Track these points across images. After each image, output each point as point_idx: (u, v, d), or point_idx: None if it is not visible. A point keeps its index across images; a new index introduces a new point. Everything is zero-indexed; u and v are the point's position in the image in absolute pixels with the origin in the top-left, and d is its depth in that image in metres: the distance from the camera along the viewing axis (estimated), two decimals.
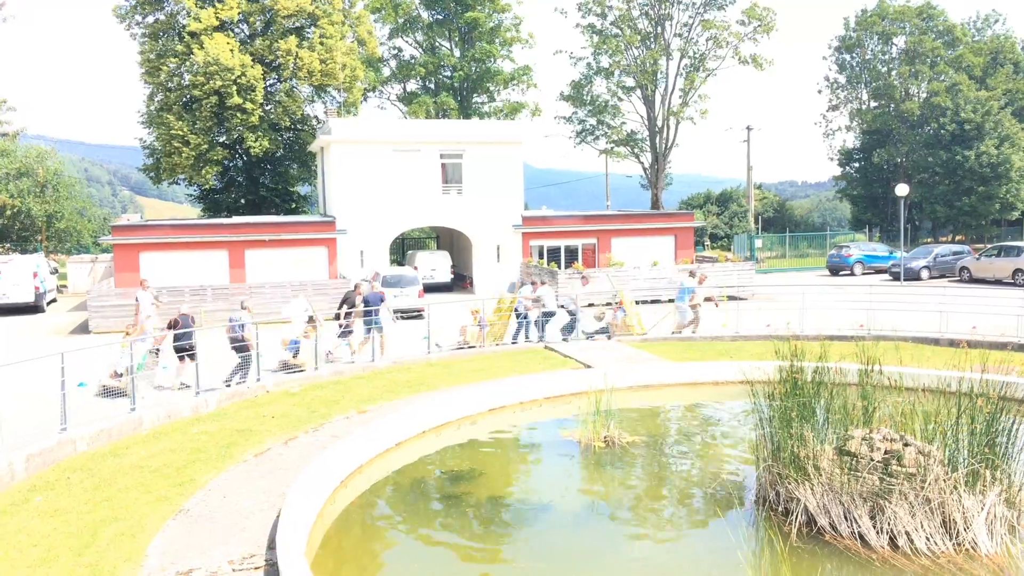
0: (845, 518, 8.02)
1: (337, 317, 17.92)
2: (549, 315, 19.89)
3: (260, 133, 39.24)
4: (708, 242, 55.75)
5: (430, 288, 31.16)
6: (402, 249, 43.24)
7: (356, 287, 18.61)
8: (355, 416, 12.53)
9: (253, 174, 43.29)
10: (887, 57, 61.15)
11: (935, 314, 19.00)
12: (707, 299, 21.22)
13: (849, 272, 38.78)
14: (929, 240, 58.21)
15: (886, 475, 8.09)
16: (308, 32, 41.51)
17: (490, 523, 9.10)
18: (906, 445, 8.38)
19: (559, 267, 32.03)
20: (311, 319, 16.95)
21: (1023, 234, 54.90)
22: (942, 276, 35.27)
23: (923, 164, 55.34)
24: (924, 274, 35.16)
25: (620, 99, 51.97)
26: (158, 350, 14.91)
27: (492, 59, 49.53)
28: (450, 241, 39.35)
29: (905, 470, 8.01)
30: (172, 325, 14.92)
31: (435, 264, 33.60)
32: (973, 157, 51.45)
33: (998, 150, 51.45)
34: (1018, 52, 62.08)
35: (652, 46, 50.39)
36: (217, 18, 37.79)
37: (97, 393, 13.80)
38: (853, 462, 8.29)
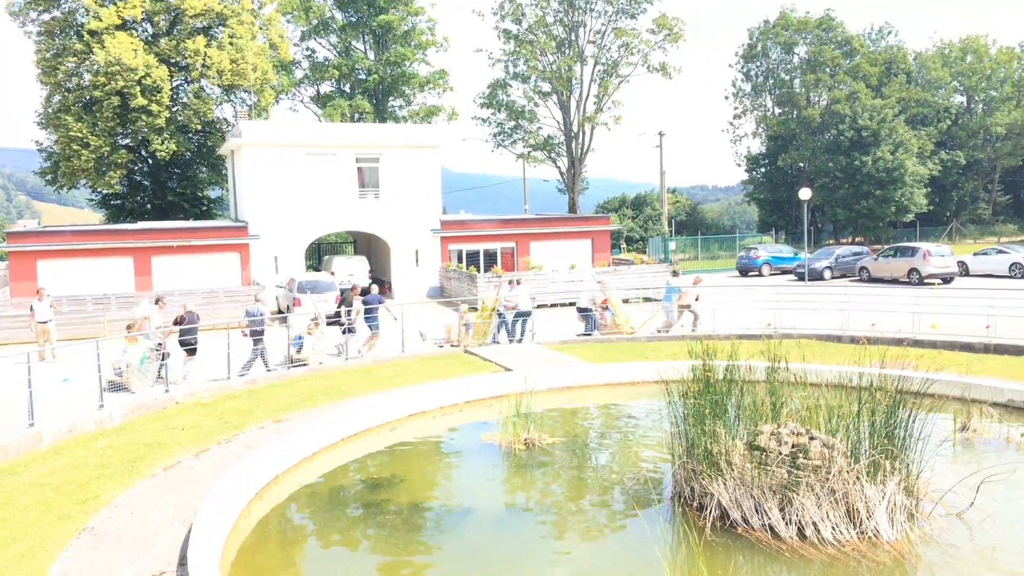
0: (756, 511, 8.29)
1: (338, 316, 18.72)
2: (524, 315, 20.04)
3: (167, 136, 37.89)
4: (624, 245, 56.82)
5: None
6: (318, 254, 42.49)
7: (354, 288, 19.92)
8: (270, 426, 12.22)
9: (160, 178, 41.75)
10: (790, 66, 63.73)
11: (837, 312, 19.88)
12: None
13: (757, 273, 40.18)
14: (831, 242, 60.91)
15: (794, 468, 8.39)
16: (217, 32, 40.36)
17: (412, 529, 9.02)
18: (812, 439, 8.71)
19: (478, 271, 32.06)
20: (315, 318, 18.11)
21: (917, 235, 58.07)
22: (843, 276, 36.93)
23: (824, 169, 57.84)
24: (827, 274, 36.73)
25: (536, 104, 52.48)
26: (159, 346, 15.39)
27: (407, 62, 49.24)
28: (368, 246, 38.90)
29: (811, 463, 8.34)
30: (178, 321, 16.10)
31: (352, 269, 33.10)
32: (870, 162, 54.09)
33: (893, 156, 54.25)
34: (910, 63, 65.66)
35: (567, 52, 51.06)
36: (119, 16, 36.32)
37: (105, 388, 13.68)
38: (763, 456, 8.58)
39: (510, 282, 21.28)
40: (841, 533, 7.92)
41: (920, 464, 8.69)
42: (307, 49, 51.32)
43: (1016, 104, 63.32)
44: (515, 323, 20.12)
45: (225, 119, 42.81)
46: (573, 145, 52.89)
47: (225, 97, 42.57)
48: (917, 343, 17.32)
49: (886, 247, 40.84)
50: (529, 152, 53.90)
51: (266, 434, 11.73)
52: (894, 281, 33.23)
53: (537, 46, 49.91)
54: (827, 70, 60.30)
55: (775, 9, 64.15)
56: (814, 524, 7.99)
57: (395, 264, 33.67)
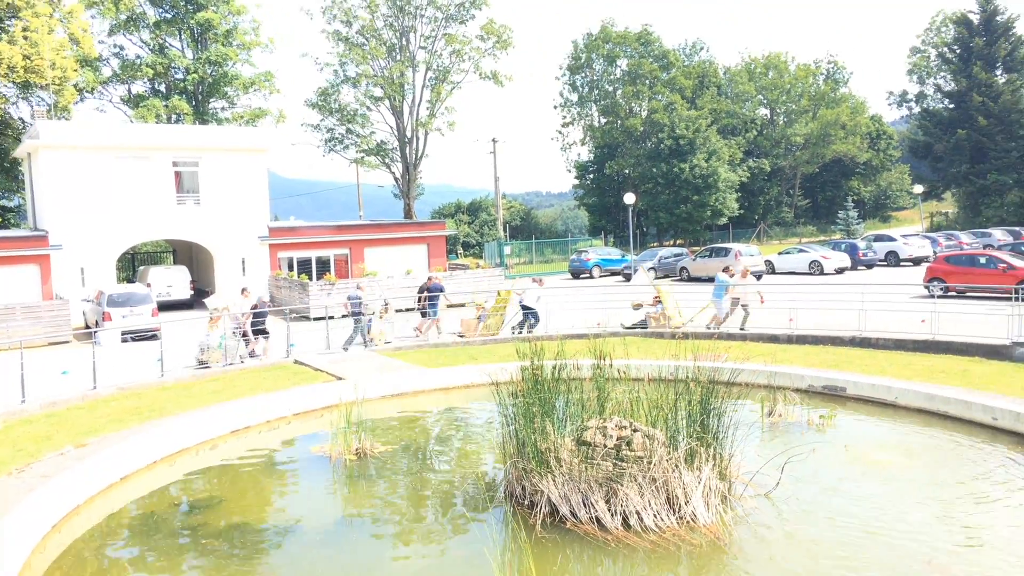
0: (584, 504, 8.46)
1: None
2: (530, 311, 20.58)
3: None
4: (461, 250, 57.19)
5: (167, 306, 28.84)
6: (133, 265, 39.57)
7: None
8: (71, 451, 11.11)
9: None
10: (613, 77, 66.72)
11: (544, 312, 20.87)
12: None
13: (588, 275, 41.65)
14: (655, 244, 64.33)
15: (618, 460, 8.66)
16: (8, 24, 36.61)
17: (236, 551, 8.47)
18: (635, 431, 9.03)
19: (311, 279, 31.05)
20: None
21: (730, 237, 62.51)
22: (666, 276, 39.00)
23: (647, 175, 61.03)
24: (652, 275, 38.60)
25: (369, 109, 51.72)
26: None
27: (230, 62, 46.93)
28: (189, 255, 36.67)
29: (634, 454, 8.64)
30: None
31: (172, 280, 31.10)
32: (688, 169, 57.65)
33: (707, 163, 58.13)
34: (720, 76, 70.69)
35: (398, 57, 50.69)
36: None
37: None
38: (590, 451, 8.79)
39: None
40: (662, 520, 8.24)
41: (732, 449, 9.22)
42: (116, 46, 47.69)
43: (812, 116, 69.75)
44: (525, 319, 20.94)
45: (22, 119, 38.96)
46: (407, 150, 52.57)
47: (20, 96, 38.71)
48: (729, 336, 18.53)
49: (703, 248, 43.57)
50: (362, 157, 53.03)
51: (66, 461, 10.65)
52: (711, 280, 35.40)
53: (368, 50, 49.19)
54: (647, 82, 63.69)
55: (597, 22, 66.86)
56: (637, 513, 8.25)
57: (219, 274, 31.92)
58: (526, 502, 8.88)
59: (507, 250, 50.25)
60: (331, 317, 24.08)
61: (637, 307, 21.08)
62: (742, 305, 19.65)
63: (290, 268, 33.40)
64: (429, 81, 51.73)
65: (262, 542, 8.76)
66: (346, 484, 10.54)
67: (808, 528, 8.33)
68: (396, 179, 54.35)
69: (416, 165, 52.88)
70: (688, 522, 8.26)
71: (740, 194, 63.31)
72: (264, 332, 19.21)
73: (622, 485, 8.42)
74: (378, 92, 51.24)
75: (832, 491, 9.30)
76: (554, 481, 8.66)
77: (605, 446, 8.83)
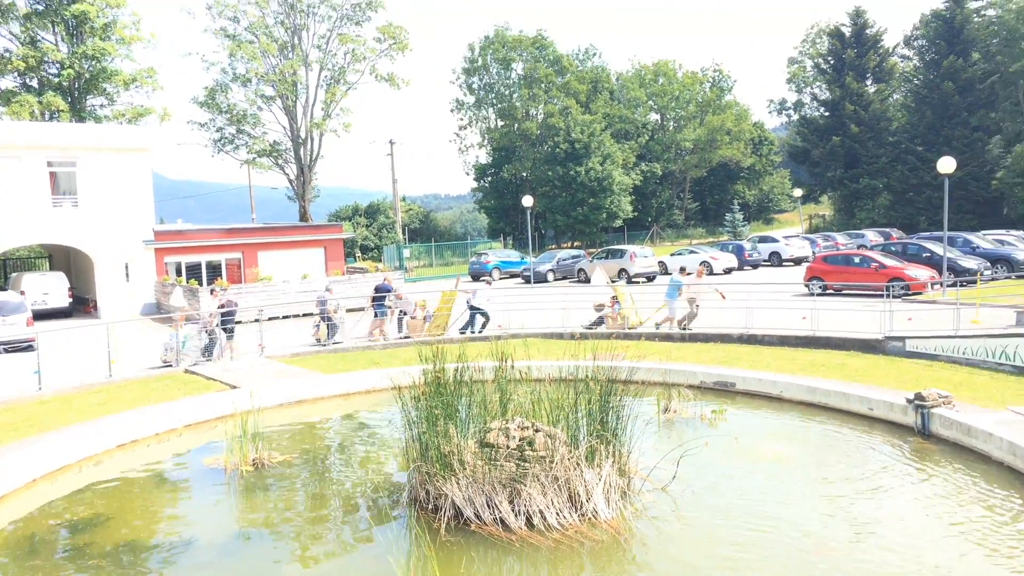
0: (488, 506, 8.51)
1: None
2: (478, 310, 20.64)
3: None
4: (359, 253, 56.37)
5: (43, 315, 27.17)
6: (4, 272, 37.05)
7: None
8: None
9: None
10: (509, 81, 67.29)
11: (559, 311, 21.23)
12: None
13: (489, 277, 41.79)
14: (553, 246, 65.23)
15: (521, 461, 8.76)
16: None
17: (126, 572, 8.07)
18: (537, 431, 9.16)
19: (200, 284, 29.88)
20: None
21: (625, 239, 64.10)
22: (565, 278, 39.69)
23: (544, 178, 61.86)
24: (550, 276, 39.25)
25: (260, 108, 50.23)
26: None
27: (108, 57, 44.58)
28: (67, 261, 34.63)
29: (536, 454, 8.76)
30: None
31: (48, 287, 29.31)
32: (583, 172, 58.79)
33: (602, 166, 59.45)
34: (613, 82, 72.46)
35: (290, 56, 49.47)
36: None
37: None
38: (493, 452, 8.86)
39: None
40: (565, 518, 8.39)
41: (630, 445, 9.49)
42: None
43: (700, 122, 72.44)
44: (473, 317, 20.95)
45: None
46: (302, 152, 51.37)
47: None
48: (627, 336, 19.03)
49: (599, 250, 44.54)
50: (254, 158, 51.45)
51: None
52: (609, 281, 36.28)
53: (258, 47, 47.77)
54: (542, 86, 64.55)
55: (492, 26, 67.38)
56: (541, 512, 8.38)
57: (100, 280, 30.30)
58: (430, 506, 8.86)
59: (406, 253, 49.86)
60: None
61: (599, 307, 21.23)
62: (695, 304, 19.90)
63: (178, 273, 32.05)
64: (324, 81, 50.74)
65: (152, 561, 8.39)
66: (242, 496, 10.22)
67: (703, 519, 8.66)
68: (290, 181, 52.99)
69: (311, 167, 51.73)
70: (590, 519, 8.44)
71: (634, 197, 65.05)
72: (230, 332, 19.19)
73: (525, 485, 8.53)
74: (269, 91, 49.84)
75: (725, 483, 9.71)
76: (458, 484, 8.68)
77: (508, 447, 8.92)
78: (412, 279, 43.58)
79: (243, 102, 50.07)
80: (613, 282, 28.10)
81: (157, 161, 54.23)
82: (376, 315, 21.11)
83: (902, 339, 15.62)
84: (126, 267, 30.72)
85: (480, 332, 20.55)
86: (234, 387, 15.05)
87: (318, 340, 20.63)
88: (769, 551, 7.79)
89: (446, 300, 21.80)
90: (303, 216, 52.30)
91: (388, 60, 51.17)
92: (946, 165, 22.82)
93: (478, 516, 8.48)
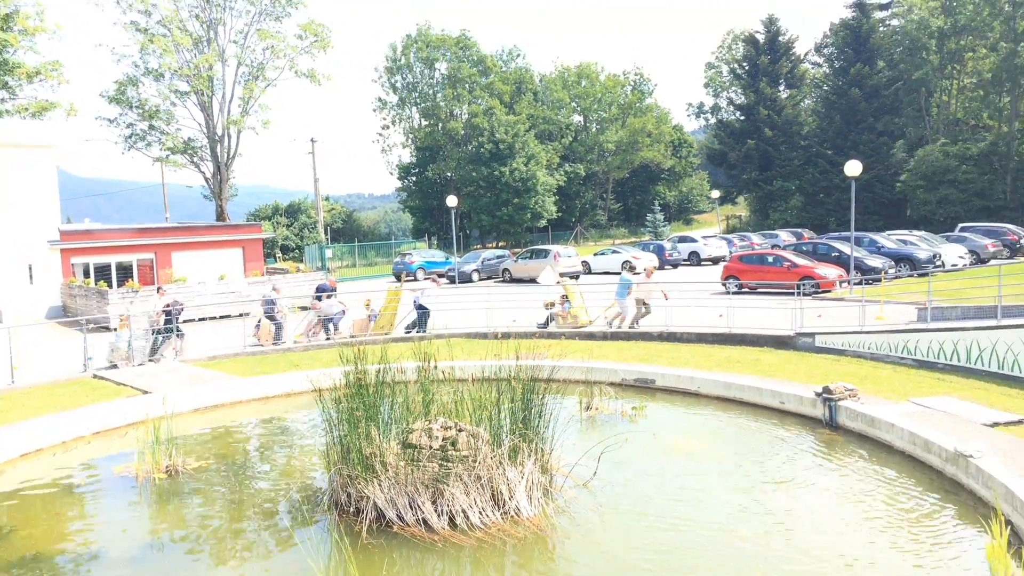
0: (410, 507, 8.47)
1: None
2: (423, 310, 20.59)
3: None
4: (279, 254, 55.19)
5: None
6: None
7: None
8: None
9: None
10: (432, 80, 66.99)
11: (483, 311, 21.27)
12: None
13: (413, 278, 41.53)
14: (479, 246, 65.28)
15: (444, 461, 8.75)
16: None
17: None
18: (460, 431, 9.16)
19: (110, 286, 28.72)
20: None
21: (550, 239, 64.66)
22: (489, 277, 39.76)
23: (469, 178, 61.85)
24: (475, 276, 39.26)
25: (174, 104, 48.55)
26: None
27: (10, 49, 42.38)
28: None
29: (459, 454, 8.76)
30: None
31: None
32: (508, 172, 59.03)
33: (526, 167, 59.81)
34: (536, 83, 72.97)
35: (206, 50, 48.00)
36: None
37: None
38: (416, 453, 8.81)
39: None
40: (488, 516, 8.41)
41: (552, 443, 9.59)
42: None
43: (622, 124, 73.65)
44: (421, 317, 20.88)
45: None
46: (218, 149, 49.87)
47: None
48: (550, 335, 19.21)
49: (524, 250, 44.79)
50: (168, 155, 49.69)
51: None
52: (532, 281, 36.54)
53: (171, 41, 46.19)
54: (466, 86, 64.50)
55: (414, 25, 67.00)
56: (464, 512, 8.38)
57: (2, 282, 28.77)
58: (352, 509, 8.75)
59: (329, 253, 49.06)
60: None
61: (550, 306, 21.13)
62: (644, 303, 19.95)
63: (86, 275, 30.71)
64: (241, 77, 49.36)
65: (60, 573, 8.03)
66: (156, 504, 9.88)
67: (623, 514, 8.83)
68: (207, 179, 51.39)
69: (228, 165, 50.26)
70: (512, 517, 8.49)
71: (558, 197, 65.67)
72: (179, 332, 19.00)
73: (448, 485, 8.52)
74: (184, 87, 48.24)
75: (644, 478, 9.92)
76: (380, 486, 8.61)
77: (431, 447, 8.89)
78: (338, 279, 42.91)
79: (155, 97, 48.31)
80: (558, 282, 28.29)
81: (63, 158, 51.92)
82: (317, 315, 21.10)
83: (812, 335, 16.26)
84: (30, 268, 29.27)
85: (422, 332, 20.47)
86: (146, 392, 14.53)
87: (258, 340, 20.31)
88: (686, 545, 8.00)
89: (392, 299, 21.65)
90: (220, 216, 50.80)
91: (309, 57, 50.21)
92: (853, 168, 23.85)
93: (401, 518, 8.43)
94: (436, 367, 10.13)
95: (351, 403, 9.08)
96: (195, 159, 50.44)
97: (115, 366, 17.64)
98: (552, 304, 21.08)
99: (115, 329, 18.73)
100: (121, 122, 48.68)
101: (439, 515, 8.38)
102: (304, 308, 20.70)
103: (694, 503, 9.00)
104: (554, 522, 8.55)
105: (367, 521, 8.44)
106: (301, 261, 50.15)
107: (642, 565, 7.59)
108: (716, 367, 15.02)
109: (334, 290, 21.74)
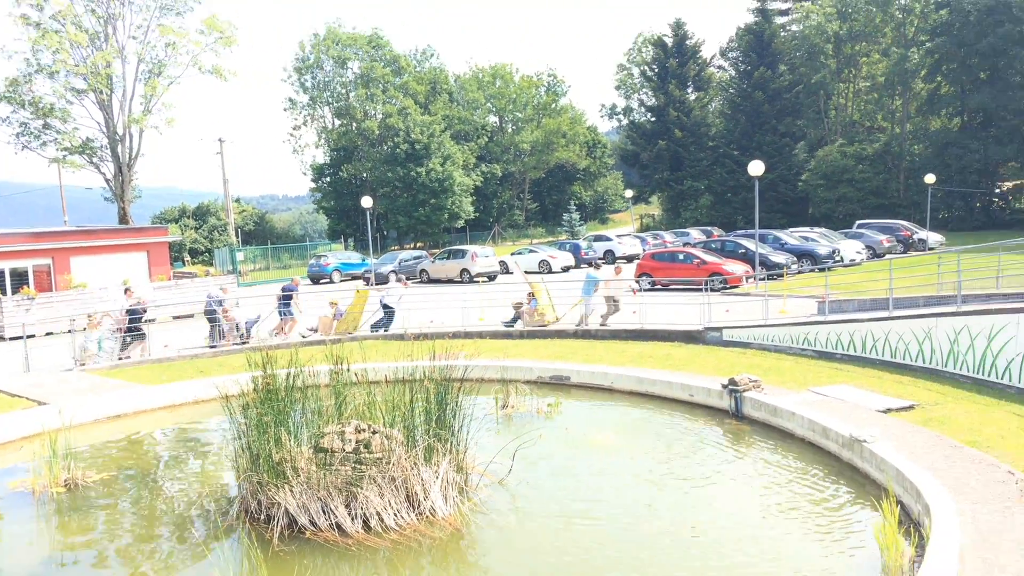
0: (323, 512, 8.35)
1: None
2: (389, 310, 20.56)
3: None
4: (188, 257, 53.40)
5: None
6: None
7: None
8: None
9: None
10: (345, 80, 66.00)
11: (401, 312, 21.10)
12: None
13: (328, 280, 40.88)
14: (397, 247, 64.72)
15: (359, 464, 8.66)
16: None
17: None
18: (374, 433, 9.08)
19: (4, 293, 27.18)
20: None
21: (468, 239, 64.66)
22: (408, 278, 39.39)
23: (385, 179, 61.25)
24: (392, 278, 38.81)
25: (70, 102, 46.30)
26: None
27: None
28: None
29: (373, 456, 8.69)
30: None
31: None
32: (424, 173, 58.74)
33: (443, 167, 59.65)
34: (451, 83, 72.85)
35: (104, 47, 45.99)
36: None
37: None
38: (329, 457, 8.69)
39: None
40: (402, 518, 8.37)
41: (468, 442, 9.62)
42: None
43: (537, 125, 74.27)
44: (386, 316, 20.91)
45: None
46: (120, 149, 47.81)
47: None
48: (467, 335, 19.23)
49: (441, 251, 44.68)
50: (64, 156, 47.36)
51: None
52: (449, 281, 36.53)
53: (66, 36, 44.05)
54: (380, 86, 63.81)
55: (324, 23, 65.93)
56: (378, 514, 8.32)
57: None
58: (263, 516, 8.57)
59: (240, 256, 47.72)
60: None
61: (518, 305, 20.84)
62: (613, 301, 19.80)
63: None
64: (142, 74, 47.48)
65: None
66: (55, 520, 9.44)
67: (538, 510, 8.93)
68: (108, 181, 49.17)
69: (131, 165, 48.23)
70: (428, 517, 8.48)
71: (475, 198, 65.75)
72: (140, 334, 19.02)
73: (362, 488, 8.44)
74: (81, 84, 46.07)
75: (559, 473, 10.06)
76: (291, 491, 8.46)
77: (344, 451, 8.79)
78: (247, 283, 41.83)
79: (50, 95, 45.98)
80: (455, 282, 28.18)
81: None
82: (281, 316, 20.88)
83: (719, 329, 16.81)
84: None
85: (384, 330, 20.52)
86: (42, 403, 13.83)
87: (282, 332, 20.57)
88: (601, 540, 8.13)
89: (359, 299, 21.49)
90: (123, 219, 48.70)
91: (213, 54, 48.72)
92: (755, 168, 24.75)
93: (313, 523, 8.30)
94: (349, 369, 10.03)
95: (259, 409, 8.89)
96: (95, 160, 48.24)
97: (84, 365, 17.66)
98: (520, 304, 20.91)
99: (84, 329, 18.62)
100: (13, 120, 46.17)
101: (353, 518, 8.29)
102: (210, 314, 19.92)
103: (608, 498, 9.18)
104: (471, 521, 8.58)
105: (279, 528, 8.27)
106: (211, 265, 48.63)
107: (557, 561, 7.69)
108: (630, 363, 15.33)
109: (295, 290, 21.44)
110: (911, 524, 7.75)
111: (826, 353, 14.75)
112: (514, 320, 20.66)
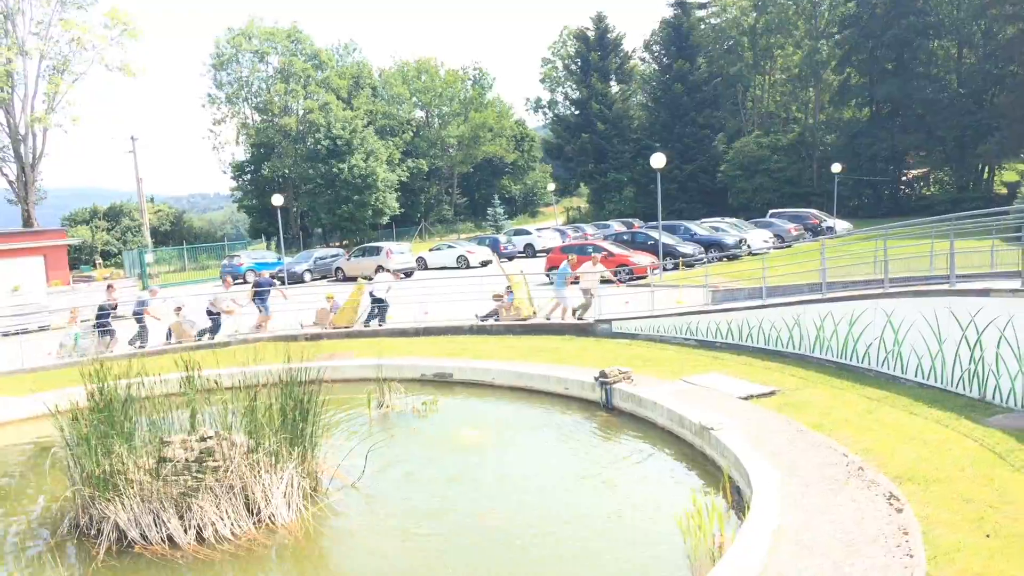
0: (156, 524, 8.07)
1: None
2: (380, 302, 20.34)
3: None
4: (100, 260, 51.54)
5: None
6: None
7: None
8: None
9: None
10: (264, 75, 64.54)
11: (280, 314, 20.62)
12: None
13: (243, 280, 39.91)
14: (321, 245, 63.67)
15: (199, 473, 8.39)
16: None
17: None
18: (223, 440, 8.82)
19: None
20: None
21: (394, 236, 64.01)
22: (323, 277, 38.86)
23: (307, 176, 60.17)
24: (307, 276, 38.25)
25: None
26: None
27: None
28: None
29: (211, 464, 8.43)
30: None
31: None
32: (347, 169, 57.89)
33: (366, 163, 58.88)
34: (375, 78, 71.95)
35: (3, 42, 44.02)
36: None
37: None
38: (167, 467, 8.40)
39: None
40: (239, 527, 8.15)
41: (322, 445, 9.42)
42: None
43: (463, 119, 73.95)
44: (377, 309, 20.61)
45: None
46: (22, 149, 45.93)
47: None
48: (361, 334, 18.98)
49: (356, 248, 44.12)
50: None
51: None
52: (367, 278, 35.96)
53: None
54: (300, 81, 62.60)
55: (243, 17, 64.27)
56: (212, 524, 8.08)
57: None
58: (93, 531, 8.23)
59: (149, 258, 46.16)
60: None
61: (497, 298, 20.31)
62: (588, 294, 19.17)
63: None
64: (45, 71, 45.69)
65: None
66: None
67: (390, 512, 8.78)
68: (10, 182, 47.20)
69: (35, 166, 46.42)
70: (267, 525, 8.27)
71: (400, 194, 65.11)
72: (111, 330, 19.36)
73: (198, 498, 8.18)
74: None
75: (416, 473, 9.93)
76: (124, 505, 8.15)
77: (186, 460, 8.51)
78: (161, 285, 40.53)
79: None
80: (365, 278, 27.84)
81: None
82: (260, 311, 20.56)
83: (609, 321, 16.95)
84: None
85: (379, 323, 20.23)
86: None
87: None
88: (458, 540, 7.94)
89: (357, 291, 21.15)
90: (28, 221, 46.82)
91: (119, 49, 47.14)
92: (657, 161, 25.06)
93: (144, 537, 8.01)
94: (200, 375, 9.71)
95: (89, 419, 8.53)
96: None
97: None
98: (500, 296, 20.44)
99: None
100: None
101: (186, 530, 8.03)
102: (138, 316, 19.40)
103: (468, 495, 9.08)
104: (316, 527, 8.39)
105: (107, 543, 7.96)
106: (123, 267, 47.08)
107: (405, 563, 7.54)
108: (520, 357, 15.29)
109: (272, 284, 21.33)
110: (744, 508, 7.86)
111: (706, 342, 15.00)
112: (489, 314, 20.15)
